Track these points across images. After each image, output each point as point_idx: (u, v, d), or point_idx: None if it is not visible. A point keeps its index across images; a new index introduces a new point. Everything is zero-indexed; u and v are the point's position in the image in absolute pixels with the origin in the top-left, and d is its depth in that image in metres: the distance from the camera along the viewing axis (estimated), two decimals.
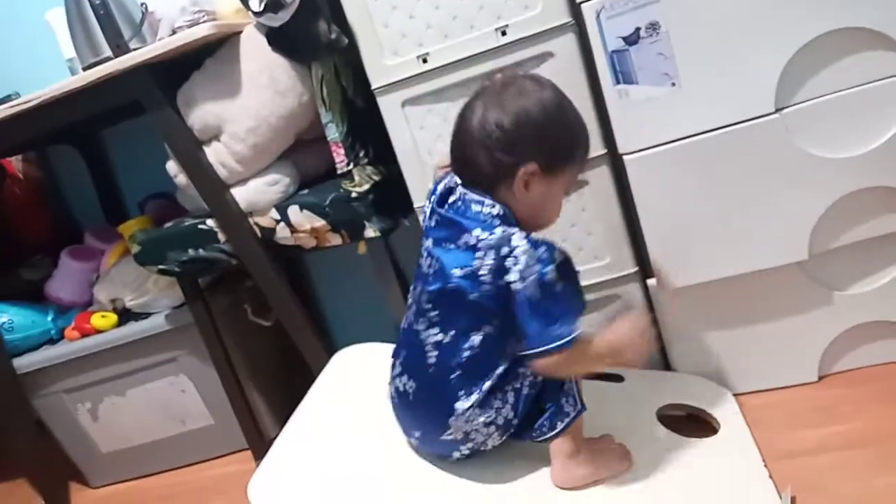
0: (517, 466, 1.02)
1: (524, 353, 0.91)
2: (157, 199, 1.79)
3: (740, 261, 1.15)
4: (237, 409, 1.58)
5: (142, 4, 1.35)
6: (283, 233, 1.35)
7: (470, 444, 0.98)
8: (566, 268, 0.93)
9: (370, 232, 1.32)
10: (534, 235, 0.90)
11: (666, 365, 1.30)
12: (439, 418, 0.96)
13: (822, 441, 1.06)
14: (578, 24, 1.13)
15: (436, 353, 0.96)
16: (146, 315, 1.59)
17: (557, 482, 0.98)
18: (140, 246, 1.43)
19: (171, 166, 1.37)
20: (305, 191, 1.37)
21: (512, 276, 0.88)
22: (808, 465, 1.02)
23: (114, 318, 1.60)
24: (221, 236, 1.38)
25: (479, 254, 0.90)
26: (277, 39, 1.26)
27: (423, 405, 0.99)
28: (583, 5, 1.08)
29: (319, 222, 1.32)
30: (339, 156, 1.30)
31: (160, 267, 1.44)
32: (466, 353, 0.93)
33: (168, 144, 1.35)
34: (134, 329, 1.57)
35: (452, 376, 0.94)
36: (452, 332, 0.94)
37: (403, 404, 1.02)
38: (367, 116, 1.29)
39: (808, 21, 1.01)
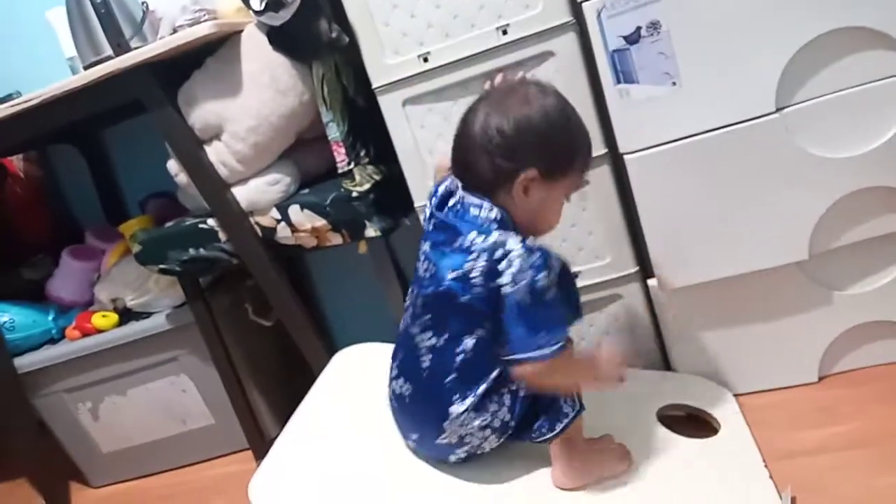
0: (517, 467, 1.02)
1: (506, 357, 0.91)
2: (157, 199, 1.79)
3: (741, 261, 1.14)
4: (238, 409, 1.58)
5: (143, 3, 1.35)
6: (283, 232, 1.35)
7: (466, 448, 0.98)
8: (563, 278, 0.93)
9: (371, 231, 1.32)
10: (530, 241, 0.90)
11: (666, 365, 1.30)
12: (434, 422, 0.96)
13: (822, 441, 1.06)
14: (579, 24, 1.14)
15: (430, 356, 0.96)
16: (147, 314, 1.59)
17: (557, 483, 0.98)
18: (141, 245, 1.43)
19: (172, 165, 1.37)
20: (306, 190, 1.37)
21: (504, 279, 0.88)
22: (808, 466, 1.02)
23: (115, 317, 1.60)
24: (222, 236, 1.38)
25: (471, 256, 0.90)
26: (278, 38, 1.26)
27: (418, 408, 0.99)
28: (584, 4, 1.08)
29: (320, 222, 1.32)
30: (340, 155, 1.30)
31: (161, 266, 1.44)
32: (460, 357, 0.93)
33: (169, 143, 1.35)
34: (135, 329, 1.57)
35: (447, 380, 0.94)
36: (445, 336, 0.94)
37: (400, 407, 1.02)
38: (368, 115, 1.30)
39: (808, 21, 1.01)
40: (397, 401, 1.02)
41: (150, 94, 1.29)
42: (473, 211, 0.93)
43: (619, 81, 1.10)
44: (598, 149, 1.18)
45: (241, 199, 1.34)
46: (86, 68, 1.32)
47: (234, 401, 1.58)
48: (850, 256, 1.13)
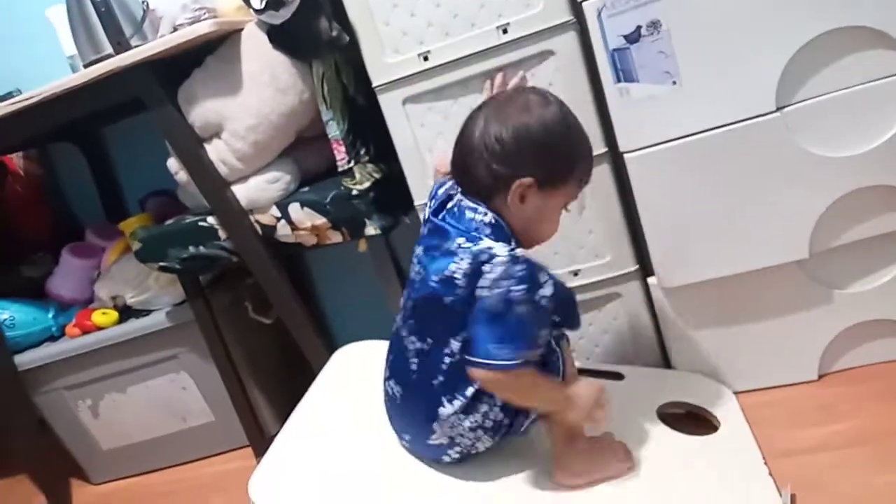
0: (515, 466, 1.02)
1: (465, 356, 0.91)
2: (157, 197, 1.79)
3: (741, 259, 1.15)
4: (238, 407, 1.58)
5: (143, 2, 1.35)
6: (283, 230, 1.35)
7: (458, 448, 0.98)
8: (562, 305, 0.93)
9: (371, 229, 1.32)
10: (518, 252, 0.89)
11: (666, 363, 1.30)
12: (424, 423, 0.97)
13: (822, 439, 1.06)
14: (579, 23, 1.13)
15: (417, 360, 0.96)
16: (147, 312, 1.59)
17: (559, 481, 0.98)
18: (141, 243, 1.43)
19: (172, 164, 1.37)
20: (306, 188, 1.37)
21: (482, 282, 0.88)
22: (808, 464, 1.02)
23: (115, 315, 1.60)
24: (222, 234, 1.38)
25: (456, 258, 0.90)
26: (278, 37, 1.26)
27: (408, 409, 1.00)
28: (584, 3, 1.08)
29: (320, 220, 1.32)
30: (340, 153, 1.30)
31: (161, 264, 1.44)
32: (447, 360, 0.93)
33: (169, 142, 1.35)
34: (135, 326, 1.57)
35: (434, 382, 0.95)
36: (430, 340, 0.95)
37: (393, 407, 1.03)
38: (368, 114, 1.30)
39: (809, 20, 1.01)
40: (390, 401, 1.03)
41: (151, 92, 1.29)
42: (469, 214, 0.93)
43: (619, 80, 1.10)
44: (599, 147, 1.18)
45: (241, 197, 1.34)
46: (86, 66, 1.32)
47: (234, 398, 1.58)
48: (850, 255, 1.13)
